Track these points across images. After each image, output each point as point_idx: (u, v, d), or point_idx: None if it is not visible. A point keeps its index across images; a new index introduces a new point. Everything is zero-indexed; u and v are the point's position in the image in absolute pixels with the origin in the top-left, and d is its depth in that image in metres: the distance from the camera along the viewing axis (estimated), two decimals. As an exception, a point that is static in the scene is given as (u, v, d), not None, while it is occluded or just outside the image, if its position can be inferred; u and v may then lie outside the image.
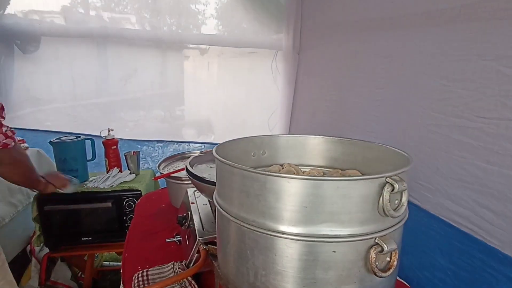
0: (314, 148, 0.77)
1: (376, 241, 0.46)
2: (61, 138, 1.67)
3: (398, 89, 1.13)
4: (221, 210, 0.55)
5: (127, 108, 2.20)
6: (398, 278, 0.91)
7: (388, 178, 0.45)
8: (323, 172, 0.74)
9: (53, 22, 1.95)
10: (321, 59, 1.71)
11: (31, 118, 2.05)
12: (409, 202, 0.50)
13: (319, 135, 0.76)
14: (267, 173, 0.46)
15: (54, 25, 1.94)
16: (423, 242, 0.98)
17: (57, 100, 2.06)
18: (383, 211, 0.45)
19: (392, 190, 0.44)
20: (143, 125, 2.21)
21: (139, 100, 2.20)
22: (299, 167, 0.76)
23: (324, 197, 0.44)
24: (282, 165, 0.76)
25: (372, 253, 0.46)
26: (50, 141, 1.64)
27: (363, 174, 0.65)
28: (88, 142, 1.74)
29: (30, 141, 1.91)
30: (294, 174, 0.64)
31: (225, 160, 0.52)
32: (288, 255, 0.47)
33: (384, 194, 0.44)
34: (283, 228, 0.46)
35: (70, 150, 1.62)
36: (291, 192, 0.45)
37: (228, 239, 0.55)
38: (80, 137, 1.70)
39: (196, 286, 0.82)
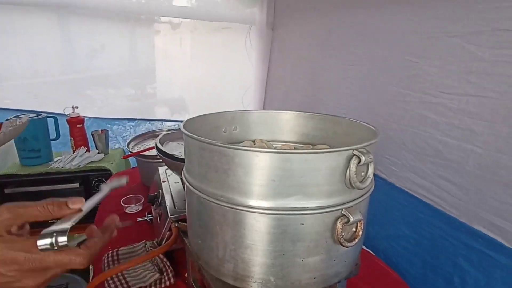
0: (286, 123, 0.76)
1: (342, 212, 0.47)
2: (20, 116, 1.55)
3: (369, 66, 1.14)
4: (189, 186, 0.54)
5: (95, 86, 2.07)
6: (363, 247, 0.96)
7: (355, 151, 0.45)
8: (294, 148, 0.74)
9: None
10: (294, 36, 1.69)
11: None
12: (376, 176, 0.51)
13: (291, 111, 0.76)
14: (235, 147, 0.45)
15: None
16: (388, 214, 1.03)
17: (16, 76, 1.89)
18: (350, 183, 0.46)
19: (359, 162, 0.45)
20: (112, 104, 2.10)
21: (108, 77, 2.06)
22: (271, 142, 0.76)
23: (293, 170, 0.44)
24: (254, 141, 0.75)
25: (339, 224, 0.47)
26: (7, 119, 1.52)
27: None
28: (50, 121, 1.64)
29: (-15, 119, 1.77)
30: (264, 149, 0.63)
31: (192, 135, 0.50)
32: (257, 229, 0.47)
33: (351, 166, 0.45)
34: (252, 202, 0.46)
35: (30, 129, 1.51)
36: (259, 166, 0.44)
37: (197, 215, 0.55)
38: (41, 114, 1.59)
39: (168, 263, 0.82)
